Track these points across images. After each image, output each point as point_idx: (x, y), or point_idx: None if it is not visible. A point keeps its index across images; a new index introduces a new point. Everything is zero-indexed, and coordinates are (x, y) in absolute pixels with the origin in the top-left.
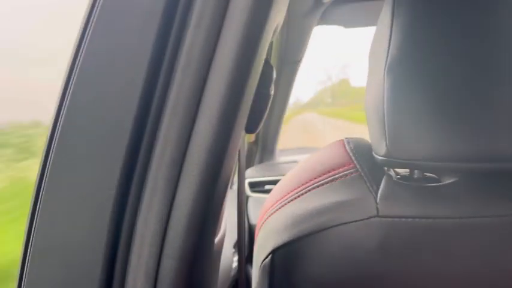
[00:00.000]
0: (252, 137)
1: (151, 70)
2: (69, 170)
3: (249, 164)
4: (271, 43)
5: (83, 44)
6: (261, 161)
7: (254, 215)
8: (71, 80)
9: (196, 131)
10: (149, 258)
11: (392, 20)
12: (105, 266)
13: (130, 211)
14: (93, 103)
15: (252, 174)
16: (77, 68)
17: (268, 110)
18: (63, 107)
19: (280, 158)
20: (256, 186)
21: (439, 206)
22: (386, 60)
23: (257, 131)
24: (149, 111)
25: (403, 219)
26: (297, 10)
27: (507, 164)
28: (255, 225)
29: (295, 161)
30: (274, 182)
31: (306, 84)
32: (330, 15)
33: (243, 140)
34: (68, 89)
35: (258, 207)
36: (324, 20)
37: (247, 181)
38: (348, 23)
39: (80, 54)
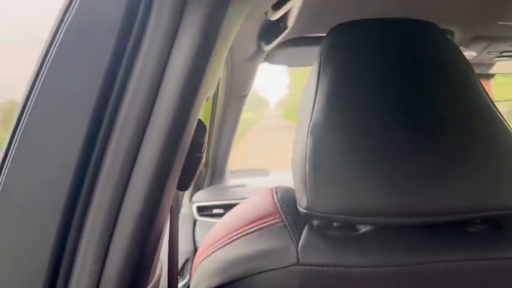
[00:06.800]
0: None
1: (86, 143)
2: (21, 182)
3: (199, 187)
4: (218, 81)
5: (50, 53)
6: (210, 184)
7: (201, 238)
8: (36, 85)
9: (131, 190)
10: None
11: (317, 84)
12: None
13: (64, 269)
14: (47, 115)
15: (201, 198)
16: (42, 74)
17: (199, 170)
18: (26, 108)
19: (230, 180)
20: (204, 210)
21: (352, 255)
22: (310, 121)
23: (188, 189)
24: (84, 177)
25: (320, 268)
26: (239, 56)
27: (412, 220)
28: None
29: (243, 185)
30: (222, 206)
31: None
32: (272, 57)
33: (177, 197)
34: (33, 92)
35: (206, 230)
36: (268, 60)
37: (195, 205)
38: (290, 64)
39: (45, 64)
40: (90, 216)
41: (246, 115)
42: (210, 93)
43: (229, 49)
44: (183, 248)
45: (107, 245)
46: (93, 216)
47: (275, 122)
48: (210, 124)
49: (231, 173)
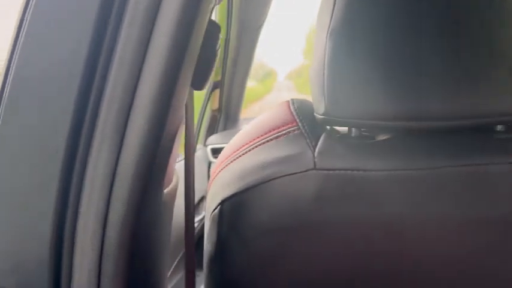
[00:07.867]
0: (215, 105)
1: (99, 27)
2: (22, 119)
3: (212, 131)
4: (231, 10)
5: (20, 37)
6: (224, 129)
7: None
8: (15, 52)
9: (141, 85)
10: (99, 200)
11: None
12: (57, 208)
13: (80, 157)
14: (42, 61)
15: (215, 141)
16: (19, 43)
17: (214, 68)
18: (11, 66)
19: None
20: (219, 152)
21: (371, 159)
22: (330, 24)
23: (204, 88)
24: (96, 67)
25: (337, 172)
26: None
27: (434, 123)
28: None
29: None
30: None
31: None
32: None
33: (191, 96)
34: (14, 53)
35: None
36: None
37: (209, 147)
38: None
39: (17, 45)
40: (103, 110)
41: (249, 84)
42: None
43: None
44: (198, 186)
45: (121, 138)
46: (105, 110)
47: (287, 96)
48: (223, 67)
49: (244, 119)
